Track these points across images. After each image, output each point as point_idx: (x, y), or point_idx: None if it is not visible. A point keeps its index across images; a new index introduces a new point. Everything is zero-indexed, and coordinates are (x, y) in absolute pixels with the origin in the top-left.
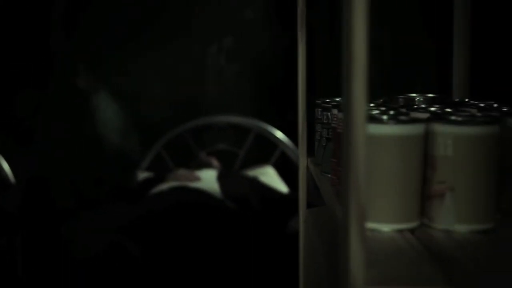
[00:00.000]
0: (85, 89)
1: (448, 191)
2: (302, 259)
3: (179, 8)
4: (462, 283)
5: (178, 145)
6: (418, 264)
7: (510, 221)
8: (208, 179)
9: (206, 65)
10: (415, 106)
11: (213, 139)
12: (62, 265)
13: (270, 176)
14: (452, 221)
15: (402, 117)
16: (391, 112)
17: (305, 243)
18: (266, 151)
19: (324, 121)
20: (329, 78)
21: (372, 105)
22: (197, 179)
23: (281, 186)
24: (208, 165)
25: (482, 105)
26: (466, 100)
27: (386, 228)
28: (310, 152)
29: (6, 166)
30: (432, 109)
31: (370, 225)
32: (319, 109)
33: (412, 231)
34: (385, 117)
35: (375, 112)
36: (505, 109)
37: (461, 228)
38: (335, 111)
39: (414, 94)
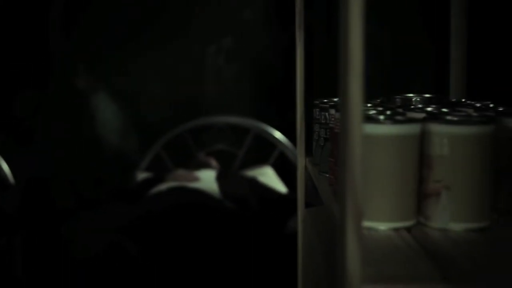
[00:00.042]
0: (84, 89)
1: (443, 190)
2: (300, 258)
3: (178, 8)
4: (458, 280)
5: (177, 146)
6: (414, 262)
7: (506, 219)
8: (207, 179)
9: (205, 65)
10: (412, 106)
11: (212, 139)
12: (62, 265)
13: (269, 176)
14: (448, 219)
15: (399, 117)
16: (388, 112)
17: (304, 242)
18: (265, 152)
19: (322, 121)
20: (327, 79)
21: (369, 105)
22: (196, 179)
23: (280, 186)
24: (207, 166)
25: (478, 105)
26: (463, 100)
27: (383, 226)
28: (309, 152)
29: (5, 167)
30: (429, 109)
31: (367, 223)
32: (317, 109)
33: (408, 229)
34: (382, 117)
35: (372, 112)
36: (501, 109)
37: (457, 226)
38: (332, 111)
39: (411, 94)
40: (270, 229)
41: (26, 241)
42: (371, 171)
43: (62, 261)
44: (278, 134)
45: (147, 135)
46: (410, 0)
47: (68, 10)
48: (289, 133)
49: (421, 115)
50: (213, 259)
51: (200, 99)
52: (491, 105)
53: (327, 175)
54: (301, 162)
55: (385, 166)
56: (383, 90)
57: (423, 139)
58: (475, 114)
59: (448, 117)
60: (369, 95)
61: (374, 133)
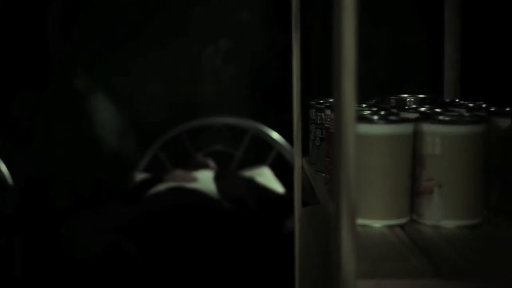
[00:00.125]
0: (83, 90)
1: (436, 188)
2: (297, 257)
3: (175, 10)
4: (450, 276)
5: (175, 146)
6: (408, 258)
7: (497, 217)
8: (205, 179)
9: (203, 66)
10: (406, 107)
11: (210, 140)
12: (62, 265)
13: (266, 177)
14: (440, 217)
15: (392, 117)
16: (382, 113)
17: (301, 241)
18: (263, 152)
19: (318, 122)
20: (323, 80)
21: (364, 105)
22: (194, 180)
23: (277, 187)
24: (205, 166)
25: (471, 105)
26: (456, 100)
27: (377, 224)
28: (305, 152)
29: (4, 168)
30: (422, 109)
31: (362, 221)
32: (313, 110)
33: (402, 226)
34: (375, 117)
35: (367, 112)
36: (493, 109)
37: (449, 223)
38: (328, 111)
39: (405, 95)
40: (268, 229)
41: (25, 241)
42: (366, 170)
43: (62, 261)
44: (275, 135)
45: (145, 136)
46: (405, 1)
47: (67, 11)
48: (286, 133)
49: (415, 115)
50: (211, 258)
51: (198, 100)
52: (484, 105)
53: (323, 175)
54: (297, 162)
55: (379, 165)
56: (378, 91)
57: (416, 138)
58: (467, 114)
59: (440, 117)
60: (364, 95)
61: (368, 133)
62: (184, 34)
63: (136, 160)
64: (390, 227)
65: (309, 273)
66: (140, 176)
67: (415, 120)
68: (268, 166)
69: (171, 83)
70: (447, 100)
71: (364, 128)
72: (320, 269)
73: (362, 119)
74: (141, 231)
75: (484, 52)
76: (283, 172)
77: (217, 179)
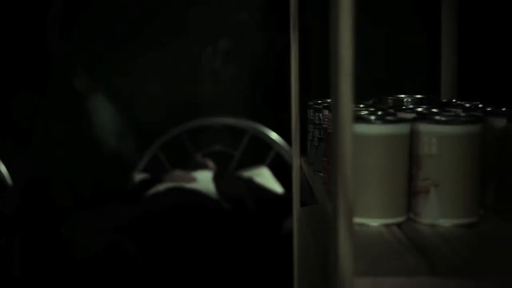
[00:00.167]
0: (82, 90)
1: (432, 187)
2: (296, 256)
3: (176, 10)
4: (446, 274)
5: (174, 147)
6: (405, 257)
7: (493, 216)
8: (204, 180)
9: (202, 67)
10: (403, 107)
11: (209, 140)
12: (62, 265)
13: (265, 177)
14: (437, 215)
15: (389, 118)
16: (379, 113)
17: (299, 241)
18: (261, 152)
19: (316, 122)
20: (322, 80)
21: (361, 105)
22: (193, 180)
23: (276, 187)
24: (204, 166)
25: (467, 105)
26: (453, 100)
27: (374, 223)
28: (304, 152)
29: (3, 168)
30: (419, 109)
31: (359, 220)
32: (311, 110)
33: (399, 225)
34: (373, 117)
35: (364, 112)
36: (489, 109)
37: (445, 222)
38: (326, 112)
39: (403, 95)
40: (267, 229)
41: (25, 241)
42: (363, 170)
43: (62, 261)
44: (274, 135)
45: (144, 136)
46: (403, 1)
47: (66, 11)
48: (284, 133)
49: (412, 116)
50: (210, 258)
51: (197, 101)
52: (480, 105)
53: (322, 174)
54: (296, 161)
55: (376, 165)
56: (376, 91)
57: (412, 138)
58: (463, 114)
59: (437, 117)
60: (362, 96)
61: (365, 133)
62: (184, 34)
63: (136, 160)
64: (387, 226)
65: (308, 272)
66: (139, 176)
67: (412, 120)
68: (267, 166)
69: (171, 83)
70: (444, 100)
71: (362, 128)
72: (319, 269)
73: (359, 119)
74: (140, 231)
75: (481, 53)
76: (281, 172)
77: (216, 179)
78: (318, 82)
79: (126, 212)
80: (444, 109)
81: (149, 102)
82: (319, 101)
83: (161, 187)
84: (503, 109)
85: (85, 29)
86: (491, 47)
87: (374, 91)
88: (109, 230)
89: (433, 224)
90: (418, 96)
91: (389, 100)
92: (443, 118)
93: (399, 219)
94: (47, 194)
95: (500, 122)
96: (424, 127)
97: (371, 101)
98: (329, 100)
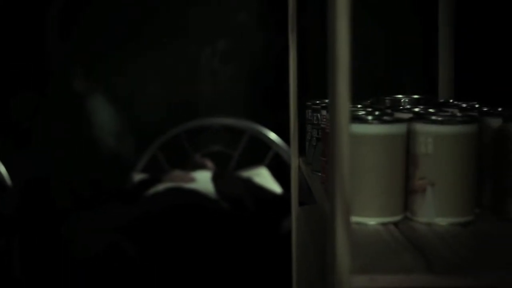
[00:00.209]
0: (82, 90)
1: (429, 186)
2: (294, 256)
3: (176, 10)
4: (442, 272)
5: (173, 147)
6: (401, 254)
7: (489, 214)
8: (203, 180)
9: (201, 67)
10: (401, 107)
11: (207, 140)
12: (61, 265)
13: (264, 177)
14: (433, 214)
15: (386, 118)
16: (376, 113)
17: (298, 240)
18: (260, 153)
19: (314, 122)
20: (320, 80)
21: (359, 106)
22: (192, 180)
23: (275, 187)
24: (202, 167)
25: (464, 105)
26: (451, 101)
27: (371, 221)
28: (302, 152)
29: (3, 169)
30: (416, 109)
31: (357, 219)
32: (310, 110)
33: (396, 224)
34: (370, 117)
35: (361, 112)
36: (485, 109)
37: (442, 221)
38: (324, 112)
39: (400, 95)
40: (265, 229)
41: (25, 241)
42: (360, 169)
43: (62, 261)
44: (273, 135)
45: (143, 136)
46: (401, 2)
47: (66, 11)
48: (283, 134)
49: (409, 116)
50: (209, 258)
51: (195, 101)
52: (477, 106)
53: (320, 174)
54: (294, 161)
55: (373, 164)
56: (374, 91)
57: (409, 138)
58: (459, 114)
59: (433, 117)
60: (360, 96)
61: (362, 133)
62: (183, 34)
63: (135, 161)
64: (384, 224)
65: (306, 271)
66: (138, 176)
67: (409, 120)
68: (265, 166)
69: (170, 84)
70: (441, 100)
71: (359, 128)
72: (317, 267)
73: (356, 119)
74: (139, 231)
75: (478, 53)
76: (280, 172)
77: (215, 179)
78: (316, 83)
79: (126, 213)
80: (440, 109)
81: (148, 102)
82: (317, 102)
83: (160, 187)
84: (499, 109)
85: (84, 29)
86: (488, 48)
87: (370, 91)
88: (109, 230)
89: (429, 223)
90: (416, 96)
91: (387, 100)
92: (440, 118)
93: (396, 218)
94: (46, 194)
95: (496, 122)
96: (420, 127)
97: (368, 101)
98: (327, 101)
